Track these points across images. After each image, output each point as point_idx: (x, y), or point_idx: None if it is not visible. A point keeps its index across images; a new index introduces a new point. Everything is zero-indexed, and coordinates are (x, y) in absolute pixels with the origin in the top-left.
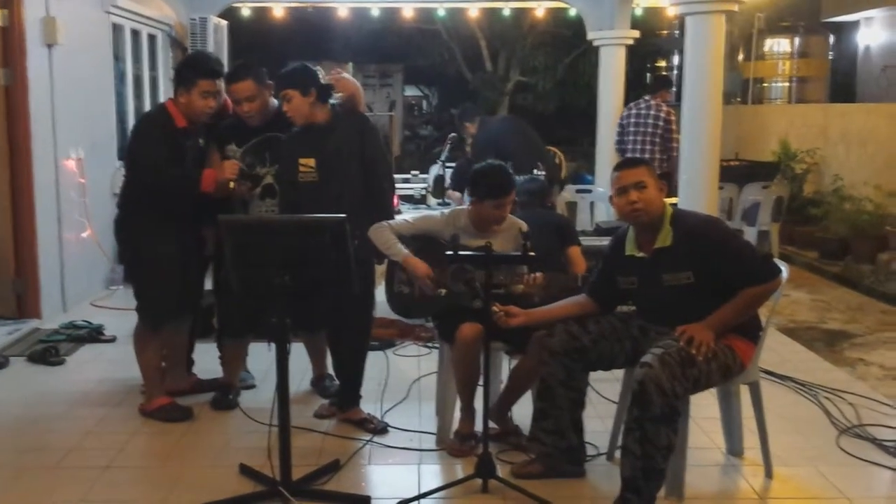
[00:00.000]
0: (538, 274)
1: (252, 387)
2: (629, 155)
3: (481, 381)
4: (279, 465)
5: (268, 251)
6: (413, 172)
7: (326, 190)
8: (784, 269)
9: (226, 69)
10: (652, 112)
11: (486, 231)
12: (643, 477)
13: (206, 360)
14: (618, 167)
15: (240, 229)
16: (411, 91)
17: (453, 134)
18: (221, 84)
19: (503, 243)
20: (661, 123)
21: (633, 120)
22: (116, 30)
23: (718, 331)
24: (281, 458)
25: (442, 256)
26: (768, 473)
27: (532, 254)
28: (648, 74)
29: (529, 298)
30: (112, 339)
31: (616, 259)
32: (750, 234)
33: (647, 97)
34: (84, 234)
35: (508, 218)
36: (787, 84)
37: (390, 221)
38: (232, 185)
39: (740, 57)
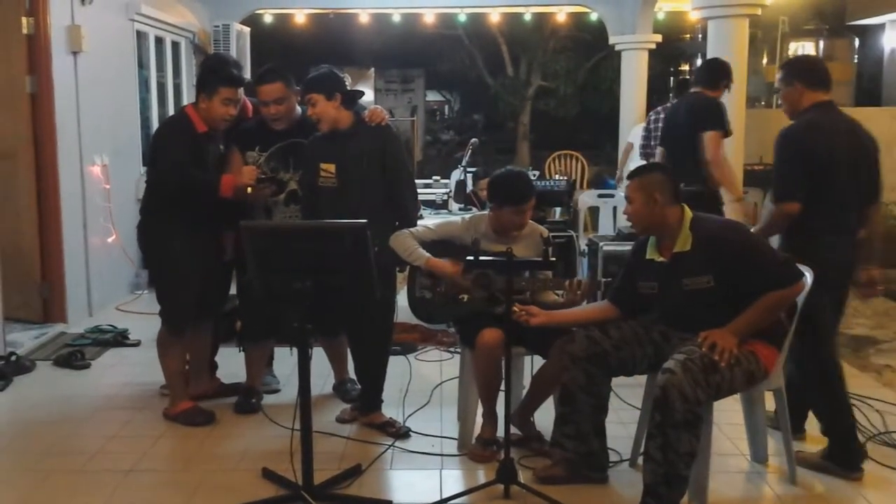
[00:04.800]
0: (583, 280)
1: (276, 391)
2: (655, 160)
3: (503, 387)
4: (301, 470)
5: (289, 257)
6: (435, 177)
7: (345, 196)
8: (808, 273)
9: (247, 76)
10: None
11: (506, 236)
12: (665, 483)
13: (231, 363)
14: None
15: (261, 235)
16: (433, 96)
17: (474, 139)
18: (241, 92)
19: (525, 249)
20: None
21: (661, 125)
22: (140, 37)
23: (741, 336)
24: (303, 462)
25: (463, 262)
26: (792, 480)
27: (553, 259)
28: (672, 78)
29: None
30: (137, 343)
31: (637, 263)
32: (775, 239)
33: (675, 101)
34: (109, 240)
35: (529, 224)
36: None
37: (411, 229)
38: (249, 190)
39: (764, 61)
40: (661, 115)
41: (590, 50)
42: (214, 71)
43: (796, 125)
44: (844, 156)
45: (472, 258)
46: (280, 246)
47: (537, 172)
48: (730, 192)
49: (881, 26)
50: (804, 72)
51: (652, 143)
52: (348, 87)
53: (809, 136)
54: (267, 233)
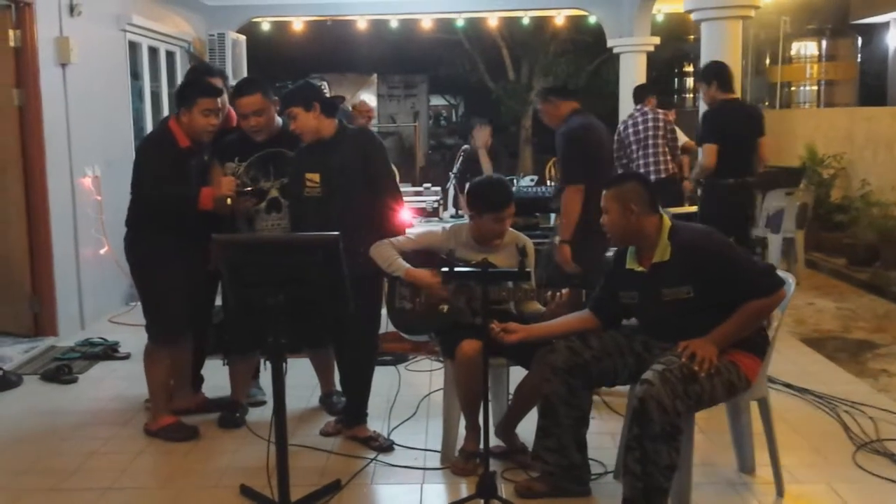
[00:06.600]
0: (564, 291)
1: (262, 403)
2: (639, 164)
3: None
4: (278, 486)
5: (262, 270)
6: (426, 185)
7: (331, 205)
8: (791, 281)
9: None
10: (650, 116)
11: (487, 245)
12: (644, 497)
13: (217, 376)
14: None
15: (234, 248)
16: (438, 101)
17: (465, 146)
18: (225, 99)
19: (505, 258)
20: (665, 126)
21: (630, 130)
22: (133, 47)
23: (721, 346)
24: (279, 478)
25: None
26: (779, 492)
27: (529, 270)
28: (676, 80)
29: (546, 318)
30: (126, 357)
31: (617, 273)
32: (775, 242)
33: (638, 106)
34: (102, 251)
35: (510, 232)
36: (815, 88)
37: (391, 239)
38: (229, 201)
39: (767, 61)
40: (629, 122)
41: (591, 53)
42: (192, 83)
43: (573, 127)
44: (605, 148)
45: (447, 269)
46: (253, 259)
47: (535, 177)
48: None
49: (885, 25)
50: (556, 88)
51: (626, 150)
52: (330, 95)
53: (584, 135)
54: (239, 246)
